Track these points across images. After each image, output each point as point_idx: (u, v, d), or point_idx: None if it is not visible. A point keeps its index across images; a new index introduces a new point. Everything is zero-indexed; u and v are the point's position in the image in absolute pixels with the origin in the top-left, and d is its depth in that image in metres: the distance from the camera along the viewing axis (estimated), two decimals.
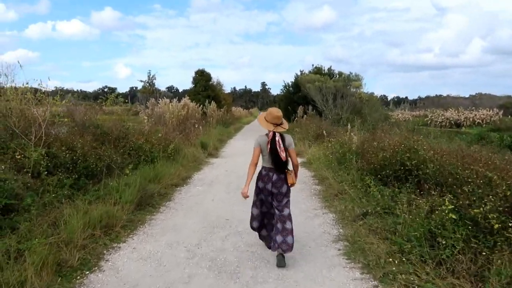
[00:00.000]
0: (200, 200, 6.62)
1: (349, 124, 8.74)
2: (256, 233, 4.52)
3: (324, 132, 11.03)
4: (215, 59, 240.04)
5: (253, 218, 4.34)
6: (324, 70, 25.40)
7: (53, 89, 11.04)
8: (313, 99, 21.91)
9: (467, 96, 74.87)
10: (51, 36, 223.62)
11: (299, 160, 11.42)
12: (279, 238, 4.02)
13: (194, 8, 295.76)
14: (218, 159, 11.89)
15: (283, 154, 3.93)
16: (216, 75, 39.35)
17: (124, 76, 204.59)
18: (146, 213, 5.71)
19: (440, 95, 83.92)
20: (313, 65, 26.10)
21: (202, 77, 30.05)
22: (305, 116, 20.77)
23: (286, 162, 4.04)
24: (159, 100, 17.95)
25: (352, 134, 7.35)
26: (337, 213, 5.72)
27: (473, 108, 42.78)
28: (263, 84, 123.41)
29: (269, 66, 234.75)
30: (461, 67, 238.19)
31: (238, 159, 11.82)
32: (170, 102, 17.37)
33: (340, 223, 5.30)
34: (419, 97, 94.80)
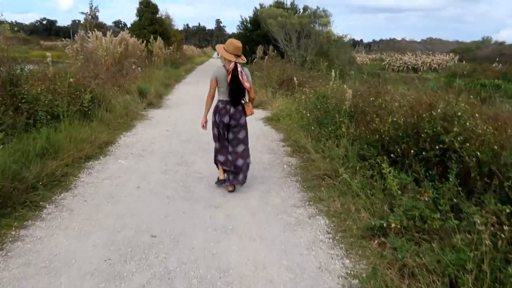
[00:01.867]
0: (117, 190, 4.25)
1: (333, 71, 6.48)
2: None
3: (295, 79, 8.71)
4: None
5: (216, 151, 4.33)
6: (286, 5, 22.43)
7: None
8: (274, 38, 19.27)
9: (419, 40, 74.67)
10: None
11: (263, 113, 9.19)
12: (230, 176, 4.23)
13: None
14: (159, 111, 9.34)
15: (247, 84, 3.99)
16: (165, 8, 35.11)
17: (66, 8, 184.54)
18: (10, 223, 3.29)
19: (394, 39, 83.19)
20: None
21: (147, 8, 26.07)
22: (266, 57, 18.18)
23: (245, 92, 4.07)
24: (89, 33, 14.56)
25: (344, 86, 5.10)
26: (332, 218, 3.64)
27: (430, 52, 42.40)
28: (218, 22, 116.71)
29: (225, 2, 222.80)
30: (415, 10, 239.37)
31: (186, 110, 9.38)
32: (104, 36, 14.08)
33: (341, 241, 3.21)
34: (373, 40, 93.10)
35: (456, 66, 36.37)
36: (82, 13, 24.81)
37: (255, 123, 8.08)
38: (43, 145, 4.68)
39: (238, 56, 4.00)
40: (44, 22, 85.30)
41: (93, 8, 33.68)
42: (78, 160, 4.99)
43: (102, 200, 3.94)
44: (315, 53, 18.97)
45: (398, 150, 3.98)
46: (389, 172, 3.47)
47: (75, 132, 5.54)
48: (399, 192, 3.45)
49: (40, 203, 3.74)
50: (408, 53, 41.81)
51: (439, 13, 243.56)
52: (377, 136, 4.39)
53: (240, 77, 3.94)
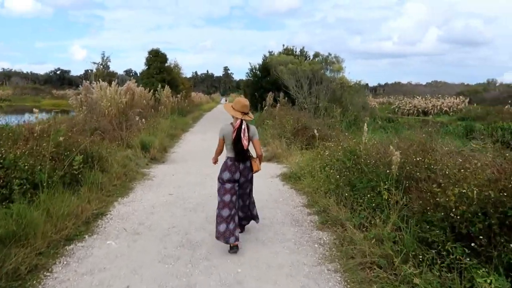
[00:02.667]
0: None
1: (365, 124, 5.52)
2: None
3: (316, 131, 7.76)
4: (177, 42, 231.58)
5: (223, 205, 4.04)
6: (296, 52, 22.11)
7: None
8: (285, 85, 18.67)
9: (424, 83, 75.33)
10: None
11: (278, 168, 8.20)
12: (236, 232, 4.03)
13: None
14: (163, 167, 8.38)
15: (245, 142, 3.96)
16: (174, 57, 35.53)
17: (80, 58, 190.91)
18: None
19: (400, 82, 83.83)
20: (283, 45, 22.73)
21: (156, 57, 26.02)
22: (277, 104, 17.46)
23: (247, 150, 4.04)
24: (93, 82, 14.00)
25: (390, 146, 4.08)
26: None
27: (439, 95, 42.02)
28: (226, 69, 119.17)
29: (232, 51, 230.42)
30: (418, 55, 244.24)
31: (192, 166, 8.41)
32: (109, 85, 13.47)
33: None
34: (379, 84, 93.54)
35: (467, 108, 35.79)
36: (94, 63, 25.16)
37: (271, 181, 7.06)
38: (9, 228, 3.66)
39: (245, 113, 4.04)
40: (58, 72, 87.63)
41: (105, 58, 34.01)
42: (55, 243, 3.95)
43: None
44: (328, 99, 18.26)
45: (481, 237, 2.91)
46: (489, 283, 2.37)
47: (57, 206, 4.53)
48: None
49: None
50: (417, 97, 41.57)
51: (442, 58, 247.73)
52: (442, 213, 3.32)
53: (241, 134, 3.95)
